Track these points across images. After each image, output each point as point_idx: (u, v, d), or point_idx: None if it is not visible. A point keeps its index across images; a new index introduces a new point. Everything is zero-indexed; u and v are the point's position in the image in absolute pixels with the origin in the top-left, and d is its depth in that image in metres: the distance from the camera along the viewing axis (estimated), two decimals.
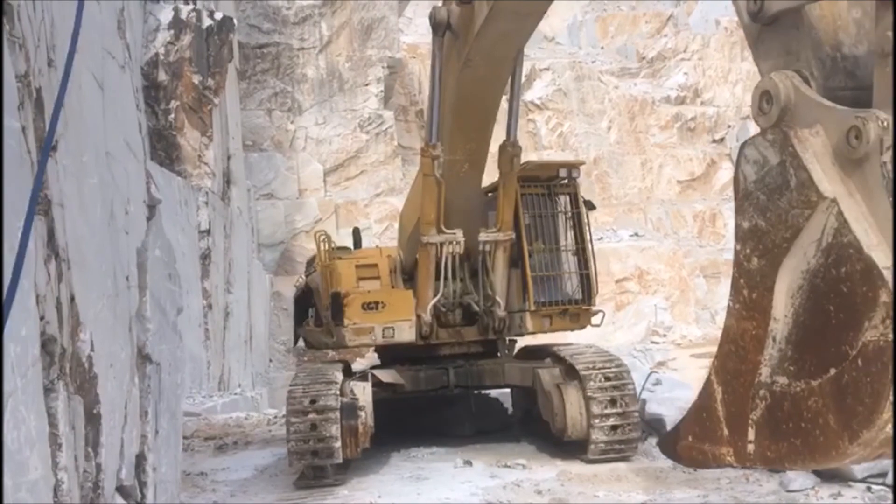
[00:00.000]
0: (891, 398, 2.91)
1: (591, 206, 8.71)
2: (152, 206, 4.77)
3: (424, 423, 8.77)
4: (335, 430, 6.78)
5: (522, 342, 9.08)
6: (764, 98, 3.49)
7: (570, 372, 7.42)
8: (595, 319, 8.42)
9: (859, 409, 2.98)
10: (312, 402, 6.88)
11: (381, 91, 24.05)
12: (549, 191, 8.62)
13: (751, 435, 3.37)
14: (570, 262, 8.58)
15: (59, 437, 3.25)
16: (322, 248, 8.83)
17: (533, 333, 8.58)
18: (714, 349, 3.97)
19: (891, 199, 3.08)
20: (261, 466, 8.04)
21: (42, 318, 3.19)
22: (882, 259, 3.04)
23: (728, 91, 27.28)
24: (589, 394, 7.03)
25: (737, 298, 3.51)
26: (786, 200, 3.33)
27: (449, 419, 8.71)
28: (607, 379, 7.13)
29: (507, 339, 8.78)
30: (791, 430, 3.21)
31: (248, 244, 20.09)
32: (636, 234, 24.72)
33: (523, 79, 25.36)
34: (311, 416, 6.80)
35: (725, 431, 3.51)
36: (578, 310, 8.44)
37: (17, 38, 3.13)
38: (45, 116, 3.35)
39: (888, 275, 2.99)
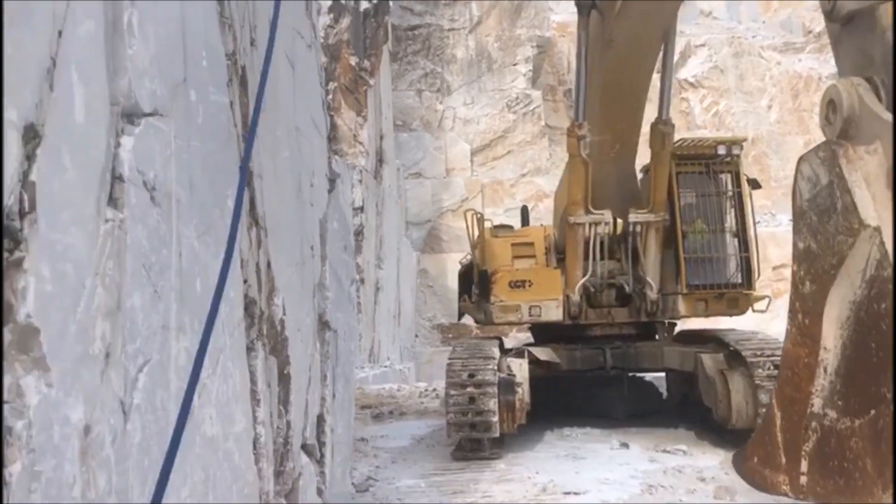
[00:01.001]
0: None
1: (755, 184, 8.33)
2: (332, 180, 4.98)
3: (577, 402, 8.74)
4: (493, 404, 6.88)
5: (681, 326, 8.84)
6: (830, 107, 3.23)
7: (736, 358, 7.15)
8: (759, 305, 8.07)
9: (891, 458, 2.81)
10: (471, 376, 7.01)
11: (530, 70, 23.95)
12: (709, 169, 8.33)
13: (804, 466, 3.26)
14: (729, 244, 8.27)
15: (258, 393, 3.48)
16: (471, 226, 8.94)
17: (686, 317, 8.37)
18: None
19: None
20: (417, 436, 8.28)
21: (245, 282, 3.41)
22: None
23: None
24: (757, 381, 6.74)
25: (793, 322, 3.41)
26: (833, 224, 3.12)
27: (602, 400, 8.63)
28: (777, 367, 6.81)
29: (666, 322, 8.58)
30: (836, 468, 3.07)
31: (398, 222, 20.61)
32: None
33: (677, 56, 24.53)
34: (470, 389, 6.93)
35: (783, 459, 3.40)
36: (737, 294, 8.14)
37: (227, 20, 3.34)
38: (249, 93, 3.57)
39: None
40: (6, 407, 1.72)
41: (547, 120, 24.19)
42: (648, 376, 9.32)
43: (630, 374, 8.88)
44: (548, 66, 25.01)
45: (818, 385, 3.19)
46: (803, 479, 3.30)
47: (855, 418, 3.00)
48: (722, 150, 8.20)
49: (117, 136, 2.29)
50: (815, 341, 3.22)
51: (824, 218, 3.26)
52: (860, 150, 3.18)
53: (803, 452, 3.28)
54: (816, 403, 3.21)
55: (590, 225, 8.06)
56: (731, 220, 8.24)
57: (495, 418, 6.87)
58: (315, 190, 4.56)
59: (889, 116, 3.15)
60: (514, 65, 24.03)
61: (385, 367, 15.82)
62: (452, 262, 22.50)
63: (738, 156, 8.21)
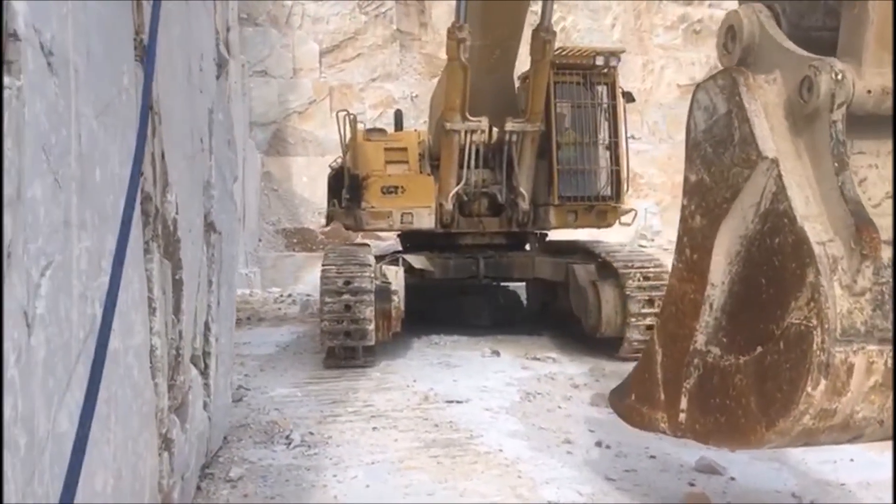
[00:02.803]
0: (808, 389, 2.68)
1: (630, 98, 8.41)
2: (220, 66, 4.44)
3: (443, 311, 8.73)
4: (369, 312, 6.69)
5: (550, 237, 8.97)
6: (729, 34, 3.16)
7: (606, 269, 7.34)
8: (626, 218, 8.29)
9: (777, 396, 2.77)
10: (347, 283, 6.77)
11: None
12: (586, 80, 8.32)
13: (683, 404, 3.21)
14: (601, 157, 8.37)
15: (153, 301, 3.08)
16: (343, 128, 8.53)
17: (556, 228, 8.49)
18: None
19: (836, 164, 2.75)
20: (282, 343, 8.00)
21: (142, 174, 2.95)
22: (816, 233, 2.74)
23: None
24: (627, 292, 6.97)
25: (680, 258, 3.27)
26: (729, 156, 3.03)
27: (469, 309, 8.68)
28: (646, 279, 7.06)
29: (538, 232, 8.66)
30: (718, 406, 3.03)
31: (243, 121, 19.53)
32: (632, 137, 24.31)
33: None
34: (346, 297, 6.70)
35: (662, 396, 3.33)
36: (606, 207, 8.29)
37: None
38: None
39: (820, 251, 2.71)
40: None
41: (399, 24, 23.47)
42: (511, 286, 9.46)
43: (496, 284, 8.97)
44: None
45: (703, 322, 3.14)
46: (682, 417, 3.24)
47: (740, 355, 2.96)
48: (600, 61, 8.20)
49: None
50: (703, 277, 3.14)
51: (720, 149, 3.16)
52: (759, 78, 3.09)
53: (684, 389, 3.21)
54: (700, 340, 3.15)
55: (465, 132, 7.87)
56: (604, 133, 8.32)
57: (371, 326, 6.70)
58: (204, 75, 4.04)
59: (790, 44, 3.08)
60: None
61: None
62: (298, 166, 21.78)
63: (615, 67, 8.23)
